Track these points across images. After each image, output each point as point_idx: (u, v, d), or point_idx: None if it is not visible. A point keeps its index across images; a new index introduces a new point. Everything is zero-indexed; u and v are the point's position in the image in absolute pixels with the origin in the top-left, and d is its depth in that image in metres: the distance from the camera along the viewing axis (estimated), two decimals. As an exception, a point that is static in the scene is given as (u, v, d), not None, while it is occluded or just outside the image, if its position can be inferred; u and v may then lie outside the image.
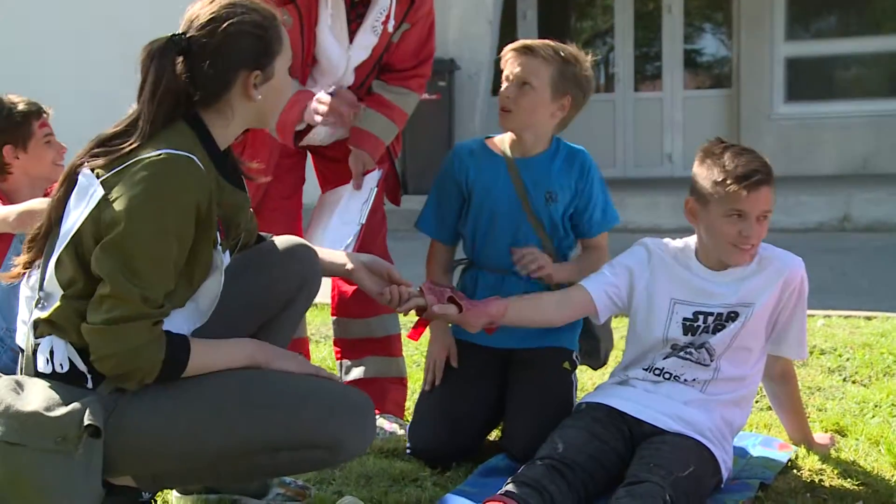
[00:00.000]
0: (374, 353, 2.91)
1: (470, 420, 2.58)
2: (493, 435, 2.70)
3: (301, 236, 2.73)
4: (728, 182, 2.27)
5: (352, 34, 2.66)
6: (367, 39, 2.68)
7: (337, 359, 3.00)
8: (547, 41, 2.61)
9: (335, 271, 2.25)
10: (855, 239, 6.80)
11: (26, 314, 1.90)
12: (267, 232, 2.24)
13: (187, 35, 1.89)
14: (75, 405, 1.77)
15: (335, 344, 3.01)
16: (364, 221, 2.59)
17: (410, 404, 3.02)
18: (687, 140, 9.51)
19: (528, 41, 2.61)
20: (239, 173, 2.06)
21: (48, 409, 1.76)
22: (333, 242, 2.52)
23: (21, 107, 2.90)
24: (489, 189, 2.66)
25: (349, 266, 2.22)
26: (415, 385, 3.12)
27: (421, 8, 2.72)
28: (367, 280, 2.23)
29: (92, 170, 1.84)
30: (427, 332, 2.64)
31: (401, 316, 2.72)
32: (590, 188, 2.67)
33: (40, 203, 2.59)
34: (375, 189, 2.67)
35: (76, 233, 1.82)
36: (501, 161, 2.67)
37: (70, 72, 8.26)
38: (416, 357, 3.49)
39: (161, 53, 1.86)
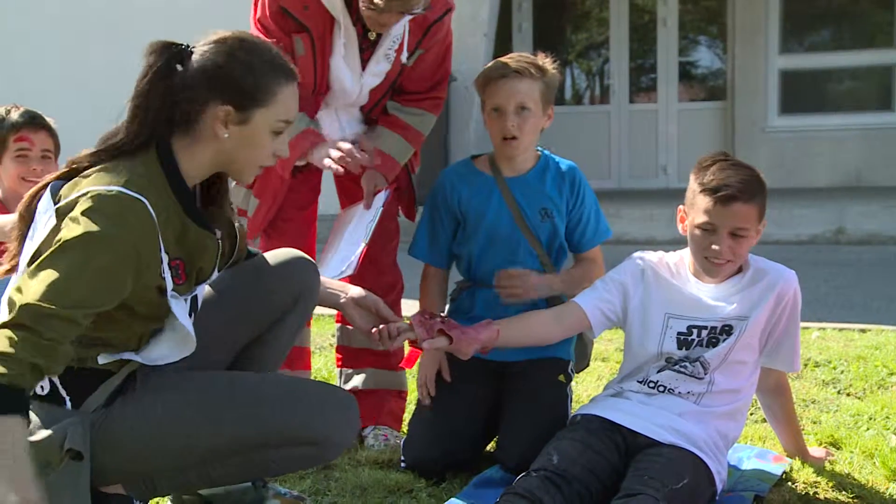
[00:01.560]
0: (375, 366, 2.91)
1: (464, 436, 2.58)
2: (489, 447, 2.69)
3: (313, 247, 2.76)
4: (699, 192, 2.30)
5: (364, 62, 2.66)
6: (380, 67, 2.68)
7: (338, 366, 3.00)
8: (516, 58, 2.58)
9: (328, 302, 2.26)
10: (849, 251, 6.81)
11: None
12: (279, 242, 2.23)
13: (191, 47, 1.88)
14: (56, 428, 1.76)
15: (337, 351, 3.01)
16: (367, 240, 2.59)
17: (407, 415, 3.02)
18: (681, 152, 9.53)
19: (505, 63, 2.56)
20: (211, 214, 1.99)
21: (30, 433, 1.73)
22: (339, 263, 2.54)
23: (9, 119, 2.90)
24: (483, 211, 2.66)
25: (342, 300, 2.23)
26: (411, 396, 3.12)
27: (437, 34, 2.70)
28: (356, 317, 2.24)
29: (54, 194, 1.82)
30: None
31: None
32: (581, 204, 2.68)
33: None
34: (381, 209, 2.66)
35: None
36: (492, 181, 2.67)
37: (69, 77, 8.26)
38: (414, 369, 3.48)
39: (157, 52, 1.86)
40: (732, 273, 2.39)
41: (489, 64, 2.63)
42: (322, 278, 2.22)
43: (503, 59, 2.61)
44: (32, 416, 1.76)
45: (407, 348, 2.49)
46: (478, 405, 2.62)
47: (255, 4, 2.63)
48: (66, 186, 1.82)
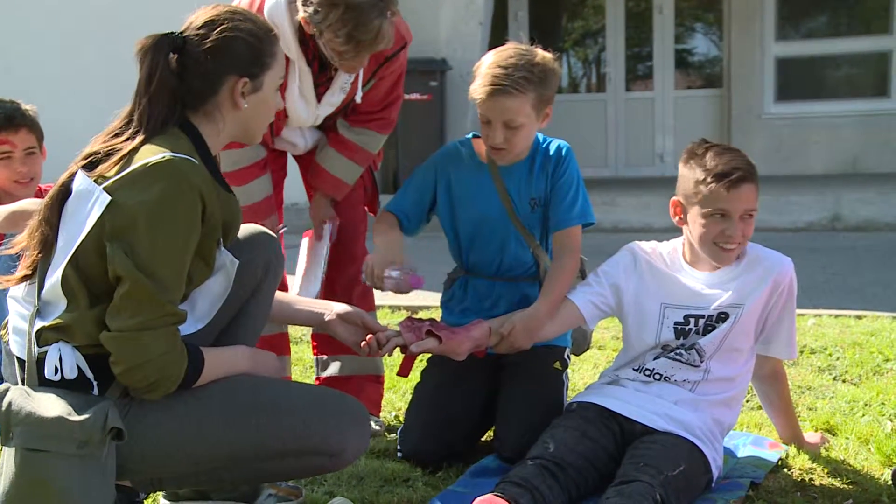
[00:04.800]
0: (351, 352, 2.91)
1: (460, 426, 2.58)
2: (485, 436, 2.70)
3: (279, 214, 2.84)
4: (709, 181, 2.29)
5: (319, 95, 2.70)
6: (335, 97, 2.72)
7: (314, 354, 3.01)
8: (510, 69, 2.42)
9: (312, 322, 2.29)
10: (845, 238, 6.82)
11: (21, 324, 1.89)
12: (250, 223, 2.25)
13: (183, 34, 1.92)
14: (96, 409, 1.77)
15: (313, 339, 3.03)
16: (324, 273, 2.77)
17: (395, 402, 3.02)
18: (678, 140, 9.53)
19: (496, 77, 2.41)
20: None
21: (70, 413, 1.75)
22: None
23: None
24: (474, 197, 2.64)
25: (326, 318, 2.27)
26: (393, 384, 3.13)
27: (392, 64, 2.73)
28: (343, 332, 2.28)
29: (89, 176, 1.84)
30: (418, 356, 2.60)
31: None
32: (560, 177, 2.60)
33: (30, 203, 2.58)
34: (329, 244, 2.79)
35: (81, 243, 1.81)
36: (486, 169, 2.65)
37: (67, 72, 8.23)
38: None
39: (155, 48, 1.89)
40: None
41: (483, 65, 2.49)
42: (303, 298, 2.26)
43: (497, 63, 2.45)
44: (65, 399, 1.78)
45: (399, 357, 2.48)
46: (474, 395, 2.62)
47: None
48: (100, 173, 1.83)
